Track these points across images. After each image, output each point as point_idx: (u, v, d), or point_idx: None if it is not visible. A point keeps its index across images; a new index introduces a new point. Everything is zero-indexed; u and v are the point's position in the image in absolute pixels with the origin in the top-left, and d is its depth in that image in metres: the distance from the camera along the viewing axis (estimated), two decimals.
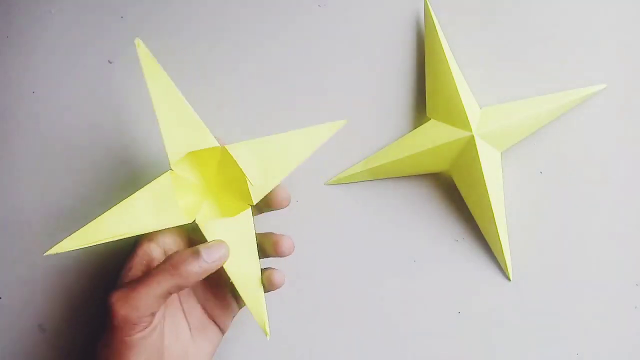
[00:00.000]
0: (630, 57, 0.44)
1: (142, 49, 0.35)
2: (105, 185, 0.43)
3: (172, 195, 0.34)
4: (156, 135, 0.35)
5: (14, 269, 0.42)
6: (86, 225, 0.32)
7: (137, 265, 0.33)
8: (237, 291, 0.34)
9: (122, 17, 0.45)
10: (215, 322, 0.37)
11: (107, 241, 0.32)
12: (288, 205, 0.37)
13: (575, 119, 0.43)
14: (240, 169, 0.35)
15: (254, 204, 0.36)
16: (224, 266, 0.33)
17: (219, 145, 0.35)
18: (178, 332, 0.35)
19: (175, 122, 0.35)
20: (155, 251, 0.34)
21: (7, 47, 0.45)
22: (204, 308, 0.37)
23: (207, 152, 0.36)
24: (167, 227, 0.33)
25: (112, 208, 0.33)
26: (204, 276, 0.32)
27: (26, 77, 0.44)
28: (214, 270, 0.33)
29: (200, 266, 0.32)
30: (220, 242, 0.33)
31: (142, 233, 0.33)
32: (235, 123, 0.44)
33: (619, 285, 0.42)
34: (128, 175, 0.43)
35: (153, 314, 0.32)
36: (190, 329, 0.36)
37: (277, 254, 0.36)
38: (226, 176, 0.37)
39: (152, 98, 0.35)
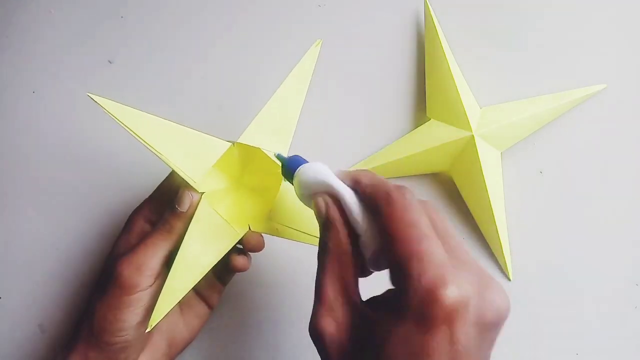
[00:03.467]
0: (629, 57, 0.44)
1: (314, 51, 0.37)
2: (105, 184, 0.43)
3: (212, 158, 0.34)
4: None
5: (14, 269, 0.42)
6: (136, 111, 0.33)
7: (133, 237, 0.36)
8: (220, 271, 0.35)
9: (122, 17, 0.45)
10: (203, 299, 0.39)
11: (133, 132, 0.33)
12: (261, 250, 0.37)
13: (575, 119, 0.43)
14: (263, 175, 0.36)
15: (251, 230, 0.36)
16: (177, 258, 0.33)
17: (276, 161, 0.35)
18: None
19: (273, 120, 0.36)
20: (147, 227, 0.36)
21: (7, 47, 0.45)
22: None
23: (268, 162, 0.35)
24: (185, 174, 0.33)
25: (162, 119, 0.34)
26: (187, 226, 0.34)
27: (26, 77, 0.44)
28: (191, 216, 0.34)
29: (178, 216, 0.34)
30: (186, 190, 0.34)
31: (158, 152, 0.33)
32: (234, 123, 0.44)
33: (619, 285, 0.42)
34: (127, 174, 0.43)
35: (153, 276, 0.34)
36: (179, 305, 0.38)
37: (247, 249, 0.37)
38: (259, 194, 0.37)
39: (282, 88, 0.37)
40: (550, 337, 0.42)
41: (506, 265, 0.41)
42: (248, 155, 0.36)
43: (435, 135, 0.41)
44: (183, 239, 0.33)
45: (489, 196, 0.40)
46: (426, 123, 0.42)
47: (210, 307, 0.39)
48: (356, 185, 0.29)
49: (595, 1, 0.44)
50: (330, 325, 0.26)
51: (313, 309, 0.27)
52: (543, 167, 0.43)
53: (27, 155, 0.44)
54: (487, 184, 0.39)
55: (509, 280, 0.42)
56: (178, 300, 0.33)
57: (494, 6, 0.44)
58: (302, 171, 0.30)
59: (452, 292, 0.23)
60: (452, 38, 0.43)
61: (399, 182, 0.43)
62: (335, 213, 0.29)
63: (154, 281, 0.34)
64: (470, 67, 0.43)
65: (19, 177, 0.43)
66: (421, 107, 0.43)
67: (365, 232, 0.28)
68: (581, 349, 0.41)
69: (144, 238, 0.35)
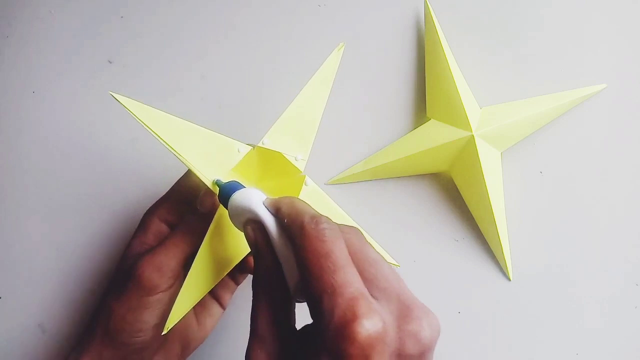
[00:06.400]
0: (629, 57, 0.44)
1: (336, 55, 0.37)
2: (105, 184, 0.43)
3: (232, 161, 0.34)
4: None
5: (14, 269, 0.42)
6: (159, 111, 0.32)
7: (150, 237, 0.36)
8: (234, 271, 0.35)
9: (122, 17, 0.45)
10: (216, 299, 0.39)
11: (156, 134, 0.32)
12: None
13: (575, 119, 0.43)
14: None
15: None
16: (195, 260, 0.33)
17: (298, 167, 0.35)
18: None
19: (294, 124, 0.36)
20: (163, 227, 0.36)
21: (7, 47, 0.45)
22: None
23: (289, 167, 0.35)
24: (205, 176, 0.33)
25: (183, 120, 0.33)
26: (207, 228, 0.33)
27: (26, 77, 0.44)
28: (213, 217, 0.33)
29: (199, 218, 0.34)
30: (208, 191, 0.33)
31: (179, 154, 0.32)
32: (234, 122, 0.44)
33: (619, 285, 0.42)
34: (129, 174, 0.43)
35: (173, 277, 0.34)
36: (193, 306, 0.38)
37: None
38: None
39: (301, 94, 0.36)
40: (550, 337, 0.42)
41: (506, 266, 0.41)
42: (268, 160, 0.35)
43: (435, 135, 0.41)
44: (202, 240, 0.33)
45: (489, 196, 0.40)
46: (426, 123, 0.42)
47: (223, 306, 0.39)
48: (277, 213, 0.28)
49: (595, 1, 0.44)
50: (261, 357, 0.26)
51: (249, 339, 0.27)
52: (543, 167, 0.43)
53: (27, 156, 0.44)
54: (487, 184, 0.39)
55: (509, 280, 0.42)
56: (195, 302, 0.33)
57: (494, 6, 0.44)
58: (233, 197, 0.30)
59: (365, 327, 0.22)
60: (452, 38, 0.43)
61: (399, 182, 0.44)
62: (260, 241, 0.28)
63: (174, 282, 0.34)
64: (470, 67, 0.43)
65: (19, 177, 0.43)
66: (421, 107, 0.43)
67: (287, 262, 0.27)
68: (581, 349, 0.41)
69: (164, 239, 0.34)
